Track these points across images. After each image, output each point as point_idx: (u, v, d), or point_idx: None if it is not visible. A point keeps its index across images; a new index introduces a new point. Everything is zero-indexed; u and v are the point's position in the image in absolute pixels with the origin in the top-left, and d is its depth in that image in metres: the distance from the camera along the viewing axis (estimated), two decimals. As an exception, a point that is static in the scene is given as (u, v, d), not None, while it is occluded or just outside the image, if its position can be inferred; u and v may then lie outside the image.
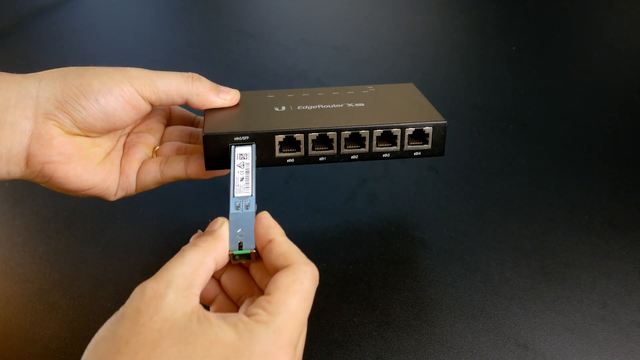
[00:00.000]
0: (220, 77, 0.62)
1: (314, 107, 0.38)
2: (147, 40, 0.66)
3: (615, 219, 0.49)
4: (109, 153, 0.37)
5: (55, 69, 0.34)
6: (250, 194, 0.32)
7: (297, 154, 0.36)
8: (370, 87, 0.41)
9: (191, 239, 0.30)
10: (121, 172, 0.37)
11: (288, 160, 0.36)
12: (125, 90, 0.33)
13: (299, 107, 0.38)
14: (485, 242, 0.46)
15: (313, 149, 0.36)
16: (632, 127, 0.59)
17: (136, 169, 0.37)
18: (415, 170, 0.52)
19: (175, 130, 0.41)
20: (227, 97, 0.38)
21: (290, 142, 0.35)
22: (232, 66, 0.63)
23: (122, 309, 0.25)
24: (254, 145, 0.35)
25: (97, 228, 0.46)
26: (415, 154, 0.37)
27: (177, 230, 0.46)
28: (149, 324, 0.24)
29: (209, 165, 0.35)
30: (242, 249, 0.31)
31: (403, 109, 0.38)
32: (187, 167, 0.37)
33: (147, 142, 0.39)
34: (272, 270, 0.29)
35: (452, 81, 0.63)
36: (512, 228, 0.48)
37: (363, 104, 0.38)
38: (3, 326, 0.39)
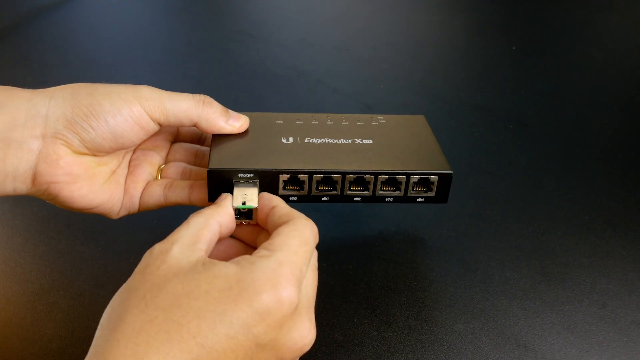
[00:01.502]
0: (220, 77, 0.62)
1: (321, 140, 0.38)
2: (147, 40, 0.66)
3: (615, 219, 0.49)
4: (114, 171, 0.37)
5: (66, 86, 0.34)
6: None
7: (301, 192, 0.36)
8: (381, 118, 0.41)
9: None
10: (125, 191, 0.37)
11: (290, 198, 0.36)
12: (135, 111, 0.33)
13: (306, 140, 0.38)
14: (485, 242, 0.46)
15: (317, 188, 0.36)
16: (632, 127, 0.59)
17: (140, 189, 0.37)
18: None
19: (181, 148, 0.41)
20: (237, 124, 0.38)
21: (294, 181, 0.36)
22: (232, 66, 0.63)
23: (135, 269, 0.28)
24: (256, 190, 0.35)
25: (97, 228, 0.46)
26: (417, 200, 0.37)
27: (177, 230, 0.46)
28: (156, 272, 0.27)
29: (212, 198, 0.35)
30: (245, 204, 0.33)
31: (411, 152, 0.38)
32: (190, 194, 0.37)
33: (153, 161, 0.39)
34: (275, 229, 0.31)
35: (452, 81, 0.63)
36: (512, 228, 0.48)
37: (371, 141, 0.38)
38: (3, 326, 0.39)
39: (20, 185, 0.33)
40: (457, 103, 0.60)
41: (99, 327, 0.26)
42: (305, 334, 0.29)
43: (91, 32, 0.66)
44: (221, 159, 0.35)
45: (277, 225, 0.31)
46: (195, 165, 0.40)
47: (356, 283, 0.43)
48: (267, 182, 0.35)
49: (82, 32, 0.66)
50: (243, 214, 0.34)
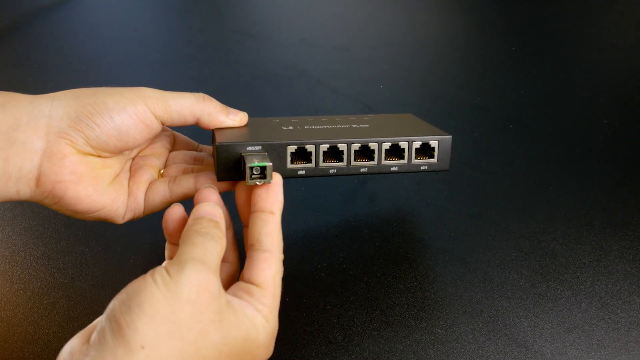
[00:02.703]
0: (220, 77, 0.62)
1: (320, 127, 0.39)
2: (147, 40, 0.66)
3: (615, 219, 0.49)
4: (117, 175, 0.37)
5: (68, 90, 0.34)
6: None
7: (308, 165, 0.36)
8: (371, 116, 0.43)
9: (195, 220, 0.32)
10: (129, 193, 0.37)
11: (299, 172, 0.36)
12: (139, 109, 0.34)
13: (306, 127, 0.39)
14: (485, 242, 0.46)
15: (324, 161, 0.36)
16: (632, 127, 0.59)
17: (144, 190, 0.37)
18: (415, 170, 0.52)
19: (179, 154, 0.41)
20: (237, 118, 0.38)
21: (301, 154, 0.36)
22: (232, 66, 0.63)
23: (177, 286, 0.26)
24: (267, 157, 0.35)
25: (97, 228, 0.46)
26: (422, 167, 0.39)
27: (177, 230, 0.46)
28: (206, 312, 0.27)
29: (221, 176, 0.35)
30: (259, 163, 0.33)
31: (408, 127, 0.40)
32: (197, 182, 0.37)
33: (153, 164, 0.39)
34: (254, 233, 0.32)
35: (452, 81, 0.63)
36: (512, 228, 0.48)
37: (368, 125, 0.40)
38: (3, 326, 0.39)
39: (23, 187, 0.32)
40: (457, 103, 0.60)
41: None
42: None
43: (91, 32, 0.66)
44: (229, 137, 0.35)
45: (258, 238, 0.32)
46: (195, 165, 0.40)
47: (356, 283, 0.43)
48: (275, 155, 0.35)
49: (82, 32, 0.66)
50: (257, 174, 0.33)
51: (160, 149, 0.40)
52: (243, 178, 0.34)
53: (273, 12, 0.73)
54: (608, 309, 0.42)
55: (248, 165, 0.33)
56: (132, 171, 0.38)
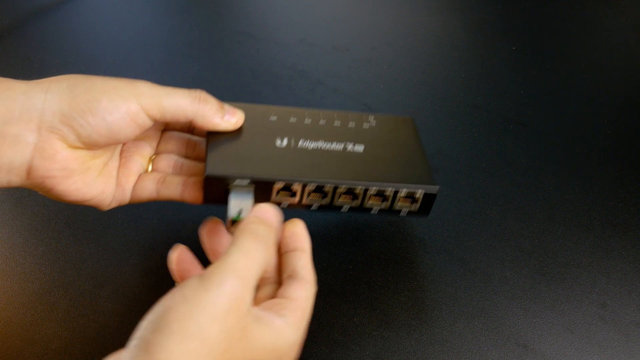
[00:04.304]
0: (220, 77, 0.62)
1: (314, 145, 0.38)
2: (147, 40, 0.66)
3: (615, 219, 0.49)
4: (106, 164, 0.37)
5: (63, 77, 0.33)
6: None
7: (292, 200, 0.37)
8: (371, 119, 0.42)
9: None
10: (118, 184, 0.37)
11: (281, 205, 0.37)
12: (132, 108, 0.33)
13: (300, 143, 0.38)
14: (485, 242, 0.46)
15: (307, 197, 0.37)
16: (632, 127, 0.59)
17: (133, 182, 0.38)
18: (415, 170, 0.52)
19: (172, 138, 0.41)
20: (232, 120, 0.38)
21: (287, 189, 0.36)
22: (232, 66, 0.63)
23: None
24: (252, 196, 0.36)
25: (97, 228, 0.46)
26: (401, 213, 0.39)
27: (177, 230, 0.46)
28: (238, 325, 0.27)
29: (207, 200, 0.36)
30: (240, 216, 0.35)
31: (399, 163, 0.39)
32: (183, 192, 0.37)
33: (144, 152, 0.39)
34: (290, 266, 0.33)
35: (452, 81, 0.63)
36: (512, 228, 0.48)
37: (362, 147, 0.39)
38: (3, 326, 0.39)
39: (14, 178, 0.32)
40: (457, 103, 0.60)
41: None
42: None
43: (91, 32, 0.66)
44: (218, 164, 0.35)
45: (294, 269, 0.33)
46: (186, 157, 0.40)
47: (356, 283, 0.43)
48: (261, 188, 0.36)
49: (82, 32, 0.66)
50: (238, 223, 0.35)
51: (152, 131, 0.40)
52: (226, 203, 0.35)
53: (273, 12, 0.73)
54: (608, 309, 0.42)
55: (229, 217, 0.34)
56: (122, 159, 0.38)
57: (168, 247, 0.39)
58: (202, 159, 0.39)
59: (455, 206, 0.49)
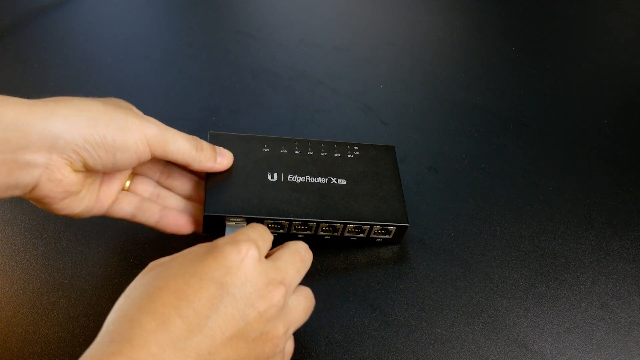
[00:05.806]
0: (220, 77, 0.62)
1: (302, 179, 0.43)
2: (147, 40, 0.66)
3: (615, 219, 0.49)
4: (93, 182, 0.39)
5: (83, 108, 0.34)
6: None
7: (281, 231, 0.41)
8: (355, 149, 0.46)
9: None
10: (97, 200, 0.39)
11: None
12: (141, 149, 0.36)
13: (289, 177, 0.42)
14: (485, 242, 0.46)
15: (294, 229, 0.41)
16: (632, 127, 0.59)
17: (111, 200, 0.40)
18: (415, 170, 0.52)
19: (152, 160, 0.42)
20: (224, 162, 0.41)
21: (276, 223, 0.41)
22: (232, 66, 0.63)
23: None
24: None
25: (97, 228, 0.46)
26: (377, 241, 0.44)
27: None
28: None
29: (206, 232, 0.41)
30: None
31: (377, 197, 0.43)
32: (158, 222, 0.40)
33: (125, 172, 0.41)
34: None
35: (452, 81, 0.63)
36: (512, 228, 0.48)
37: (344, 182, 0.43)
38: (3, 326, 0.39)
39: (17, 192, 0.34)
40: (457, 103, 0.60)
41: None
42: (273, 312, 0.31)
43: (91, 32, 0.66)
44: (215, 204, 0.40)
45: None
46: (163, 185, 0.43)
47: (356, 283, 0.43)
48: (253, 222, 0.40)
49: (82, 32, 0.66)
50: None
51: None
52: (223, 233, 0.39)
53: (273, 12, 0.73)
54: (608, 309, 0.42)
55: None
56: (105, 176, 0.40)
57: (168, 247, 0.39)
58: (177, 188, 0.43)
59: (455, 206, 0.49)
